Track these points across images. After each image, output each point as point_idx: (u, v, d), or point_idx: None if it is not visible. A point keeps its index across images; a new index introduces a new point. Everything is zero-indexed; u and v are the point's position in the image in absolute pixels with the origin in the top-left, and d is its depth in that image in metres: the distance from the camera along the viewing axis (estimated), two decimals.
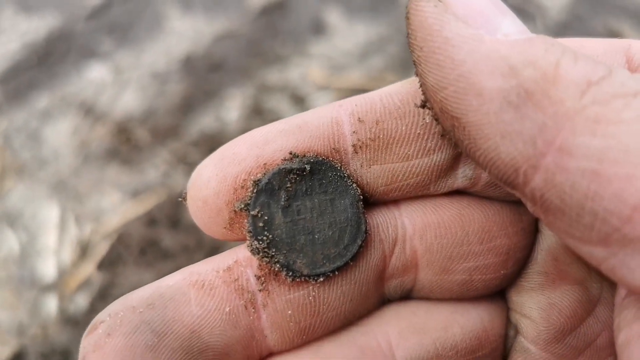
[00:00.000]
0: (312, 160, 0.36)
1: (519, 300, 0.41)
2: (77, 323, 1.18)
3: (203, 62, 1.75)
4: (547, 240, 0.40)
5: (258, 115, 1.55)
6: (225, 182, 0.35)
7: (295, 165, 0.35)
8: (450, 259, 0.38)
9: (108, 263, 1.27)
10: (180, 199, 0.38)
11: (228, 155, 0.35)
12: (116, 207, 1.37)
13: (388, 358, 0.38)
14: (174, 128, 1.55)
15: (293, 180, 0.36)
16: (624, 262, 0.26)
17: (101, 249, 1.29)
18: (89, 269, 1.26)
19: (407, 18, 0.30)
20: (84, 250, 1.30)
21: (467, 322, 0.40)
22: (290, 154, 0.35)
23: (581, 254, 0.28)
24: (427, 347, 0.39)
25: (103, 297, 1.21)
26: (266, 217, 0.35)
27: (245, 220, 0.35)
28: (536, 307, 0.40)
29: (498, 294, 0.43)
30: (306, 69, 1.70)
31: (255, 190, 0.35)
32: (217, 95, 1.63)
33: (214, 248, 1.24)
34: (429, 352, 0.39)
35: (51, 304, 1.22)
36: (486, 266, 0.39)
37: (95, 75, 1.73)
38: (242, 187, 0.35)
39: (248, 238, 0.35)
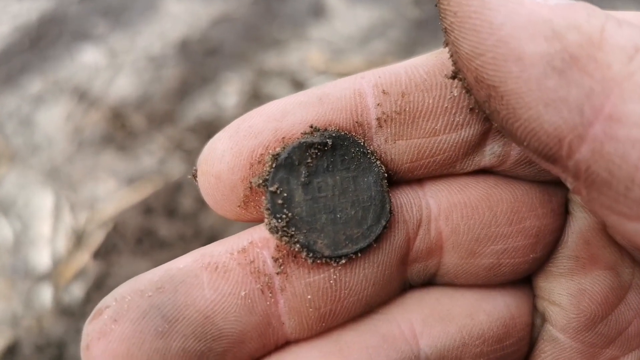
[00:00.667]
0: (334, 135, 0.34)
1: (547, 286, 0.40)
2: (72, 314, 1.15)
3: (199, 46, 1.71)
4: (578, 222, 0.39)
5: (256, 100, 1.52)
6: (241, 156, 0.33)
7: (316, 140, 0.33)
8: (477, 242, 0.37)
9: (104, 252, 1.24)
10: (190, 176, 0.36)
11: (244, 128, 0.33)
12: (111, 194, 1.34)
13: (412, 346, 0.36)
14: (170, 114, 1.52)
15: (314, 156, 0.34)
16: None
17: (96, 238, 1.27)
18: (84, 258, 1.24)
19: None
20: (79, 239, 1.27)
21: (493, 309, 0.39)
22: (311, 127, 0.33)
23: (625, 232, 0.27)
24: (452, 336, 0.37)
25: (99, 287, 1.19)
26: (285, 194, 0.33)
27: (263, 197, 0.33)
28: (566, 293, 0.38)
29: (524, 280, 0.41)
30: (305, 54, 1.67)
31: (273, 165, 0.33)
32: (214, 80, 1.60)
33: (211, 237, 1.22)
34: (455, 340, 0.37)
35: (46, 295, 1.19)
36: (515, 249, 0.37)
37: (88, 59, 1.69)
38: (259, 162, 0.33)
39: (266, 216, 0.33)
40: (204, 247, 0.34)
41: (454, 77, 0.33)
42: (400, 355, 0.36)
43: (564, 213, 0.39)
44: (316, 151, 0.33)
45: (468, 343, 0.37)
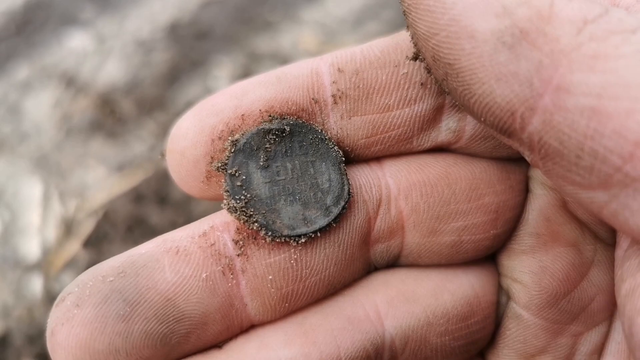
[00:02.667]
0: (292, 122, 0.35)
1: (510, 264, 0.41)
2: None
3: (189, 29, 1.67)
4: (538, 200, 0.39)
5: None
6: (203, 132, 0.34)
7: (274, 126, 0.35)
8: (437, 219, 0.38)
9: (94, 241, 1.23)
10: (160, 156, 0.37)
11: (207, 106, 0.35)
12: (101, 182, 1.32)
13: (377, 328, 0.37)
14: (160, 99, 1.49)
15: (272, 141, 0.35)
16: (626, 205, 0.25)
17: (86, 227, 1.25)
18: (74, 247, 1.22)
19: None
20: (68, 227, 1.25)
21: (457, 288, 0.39)
22: (270, 116, 0.34)
23: (581, 201, 0.28)
24: (417, 316, 0.38)
25: None
26: (244, 177, 0.34)
27: (222, 180, 0.34)
28: (528, 270, 0.39)
29: (489, 259, 0.42)
30: (298, 36, 1.64)
31: (233, 150, 0.34)
32: (205, 64, 1.57)
33: None
34: (419, 320, 0.38)
35: (36, 284, 1.18)
36: (475, 225, 0.38)
37: (76, 44, 1.66)
38: (220, 138, 0.34)
39: (225, 197, 0.34)
40: (166, 233, 0.34)
41: (415, 59, 0.34)
42: (365, 336, 0.36)
43: (524, 190, 0.40)
44: (274, 137, 0.35)
45: (433, 322, 0.38)
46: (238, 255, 0.34)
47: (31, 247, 1.23)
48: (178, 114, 1.45)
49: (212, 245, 0.33)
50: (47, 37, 1.69)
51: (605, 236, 0.38)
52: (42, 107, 1.50)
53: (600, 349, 0.41)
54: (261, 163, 0.35)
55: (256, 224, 0.34)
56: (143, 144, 1.39)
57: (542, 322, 0.39)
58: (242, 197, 0.34)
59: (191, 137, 0.34)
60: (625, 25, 0.25)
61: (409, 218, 0.37)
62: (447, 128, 0.37)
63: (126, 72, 1.56)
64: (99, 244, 1.22)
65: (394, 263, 0.40)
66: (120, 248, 1.20)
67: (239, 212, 0.34)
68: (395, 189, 0.37)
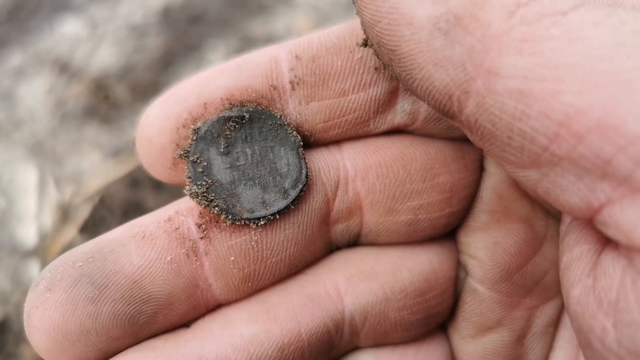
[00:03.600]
0: (251, 109, 0.36)
1: (467, 240, 0.42)
2: None
3: (182, 13, 1.66)
4: (492, 178, 0.41)
5: None
6: (168, 121, 0.35)
7: (234, 113, 0.36)
8: (393, 199, 0.39)
9: (91, 226, 1.23)
10: (130, 144, 0.38)
11: (172, 95, 0.36)
12: (97, 168, 1.32)
13: (336, 304, 0.38)
14: (154, 84, 1.48)
15: (232, 128, 0.36)
16: (556, 183, 0.26)
17: (83, 212, 1.25)
18: (71, 233, 1.22)
19: None
20: (65, 213, 1.25)
21: (415, 265, 0.41)
22: (230, 104, 0.36)
23: (519, 180, 0.28)
24: (375, 292, 0.39)
25: None
26: (205, 163, 0.36)
27: (185, 167, 0.36)
28: (482, 246, 0.41)
29: (449, 236, 0.43)
30: (292, 20, 1.62)
31: (194, 138, 0.35)
32: (199, 48, 1.56)
33: None
34: (377, 296, 0.39)
35: (33, 270, 1.18)
36: (431, 204, 0.40)
37: (69, 30, 1.64)
38: (184, 126, 0.35)
39: (187, 183, 0.36)
40: (135, 219, 0.36)
41: (364, 45, 0.35)
42: (325, 312, 0.38)
43: (479, 169, 0.41)
44: (234, 124, 0.36)
45: (391, 298, 0.39)
46: (201, 238, 0.35)
47: (28, 233, 1.24)
48: None
49: (176, 229, 0.35)
50: (40, 23, 1.67)
51: (555, 212, 0.39)
52: (36, 93, 1.49)
53: (556, 321, 0.42)
54: (222, 149, 0.36)
55: (217, 208, 0.35)
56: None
57: (497, 295, 0.41)
58: (204, 182, 0.35)
59: (157, 125, 0.35)
60: (557, 7, 0.26)
61: (366, 198, 0.39)
62: (402, 110, 0.38)
63: (120, 57, 1.56)
64: (96, 229, 1.22)
65: (355, 242, 0.41)
66: None
67: (200, 197, 0.35)
68: (352, 170, 0.38)
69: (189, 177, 0.35)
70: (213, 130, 0.36)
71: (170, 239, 0.35)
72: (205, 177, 0.35)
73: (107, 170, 1.31)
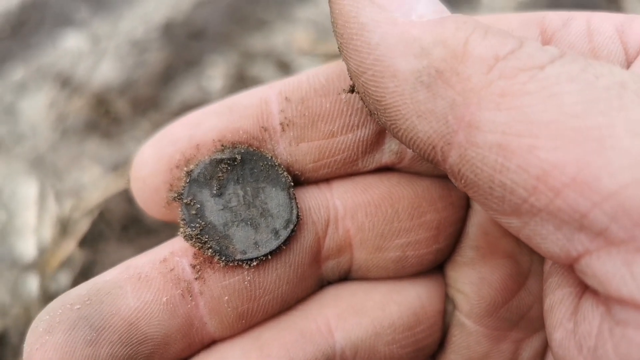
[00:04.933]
0: (242, 151, 0.37)
1: (454, 275, 0.43)
2: None
3: (183, 29, 1.68)
4: (477, 215, 0.42)
5: (242, 83, 1.50)
6: (162, 162, 0.36)
7: (225, 156, 0.37)
8: (382, 237, 0.40)
9: (90, 240, 1.23)
10: (126, 182, 0.39)
11: (165, 136, 0.37)
12: (96, 182, 1.33)
13: (327, 340, 0.39)
14: (154, 99, 1.50)
15: (224, 170, 0.37)
16: (536, 231, 0.27)
17: (82, 226, 1.26)
18: (70, 246, 1.23)
19: (330, 7, 0.31)
20: (64, 227, 1.26)
21: (404, 299, 0.41)
22: (222, 145, 0.36)
23: (502, 225, 0.29)
24: (365, 327, 0.40)
25: (85, 276, 1.18)
26: (198, 206, 0.36)
27: (179, 209, 0.36)
28: (468, 281, 0.42)
29: (437, 270, 0.44)
30: (291, 35, 1.64)
31: (187, 180, 0.36)
32: (199, 63, 1.58)
33: None
34: (367, 331, 0.40)
35: (32, 284, 1.19)
36: (418, 241, 0.40)
37: (71, 45, 1.66)
38: (177, 166, 0.36)
39: (181, 225, 0.36)
40: (130, 259, 0.37)
41: (352, 91, 0.36)
42: (316, 348, 0.38)
43: (465, 206, 0.42)
44: (226, 166, 0.36)
45: (380, 332, 0.40)
46: (196, 278, 0.36)
47: (27, 247, 1.24)
48: (172, 113, 1.46)
49: (171, 270, 0.36)
50: (42, 38, 1.69)
51: None
52: (37, 107, 1.51)
53: (542, 354, 0.43)
54: (214, 191, 0.36)
55: (210, 250, 0.36)
56: (138, 144, 1.40)
57: (484, 329, 0.42)
58: (197, 224, 0.36)
59: (151, 165, 0.36)
60: (535, 62, 0.26)
61: (356, 236, 0.40)
62: (389, 150, 0.39)
63: (121, 72, 1.57)
64: (95, 243, 1.23)
65: (345, 277, 0.42)
66: (116, 247, 1.21)
67: (194, 240, 0.36)
68: (342, 209, 0.39)
69: (183, 220, 0.36)
70: (206, 173, 0.36)
71: (165, 280, 0.35)
72: (198, 219, 0.36)
73: (107, 184, 1.32)
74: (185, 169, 0.36)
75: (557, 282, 0.32)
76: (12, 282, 1.19)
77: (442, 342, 0.44)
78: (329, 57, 1.54)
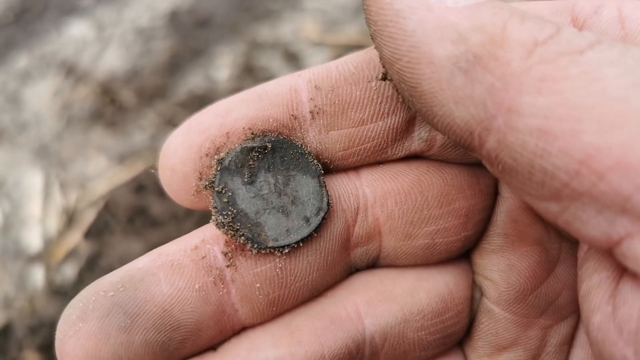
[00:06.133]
0: (273, 139, 0.37)
1: (481, 262, 0.43)
2: (65, 294, 1.14)
3: (189, 17, 1.65)
4: (506, 202, 0.42)
5: (249, 73, 1.48)
6: (191, 150, 0.36)
7: (256, 144, 0.37)
8: (411, 224, 0.40)
9: (95, 232, 1.22)
10: (152, 170, 0.38)
11: (194, 124, 0.37)
12: (102, 172, 1.31)
13: (357, 326, 0.40)
14: (160, 88, 1.48)
15: (255, 158, 0.37)
16: (576, 216, 0.27)
17: (88, 217, 1.24)
18: (75, 238, 1.21)
19: None
20: (69, 218, 1.25)
21: (432, 286, 0.42)
22: (252, 134, 0.37)
23: (539, 211, 0.30)
24: (394, 314, 0.40)
25: (91, 267, 1.17)
26: (230, 194, 0.37)
27: (210, 197, 0.37)
28: (496, 269, 0.42)
29: (464, 257, 0.45)
30: (299, 25, 1.62)
31: (218, 169, 0.36)
32: (206, 52, 1.55)
33: (203, 216, 1.19)
34: (396, 318, 0.40)
35: (37, 275, 1.17)
36: (447, 229, 0.41)
37: (75, 33, 1.64)
38: (207, 155, 0.36)
39: (213, 213, 0.36)
40: (161, 246, 0.37)
41: (384, 79, 0.37)
42: (346, 334, 0.39)
43: (493, 193, 0.43)
44: (257, 154, 0.37)
45: (409, 319, 0.41)
46: (227, 266, 0.36)
47: (32, 238, 1.23)
48: (179, 103, 1.44)
49: (203, 258, 0.36)
50: (46, 26, 1.67)
51: (569, 235, 0.40)
52: (41, 96, 1.49)
53: (570, 340, 0.44)
54: (246, 179, 0.37)
55: (242, 238, 0.36)
56: (143, 134, 1.38)
57: (512, 316, 0.42)
58: (229, 212, 0.36)
59: (180, 154, 0.37)
60: (574, 46, 0.27)
61: (385, 224, 0.40)
62: (419, 138, 0.39)
63: (126, 60, 1.55)
64: (100, 234, 1.22)
65: (374, 264, 0.43)
66: (122, 239, 1.19)
67: (226, 227, 0.36)
68: (371, 197, 0.40)
69: (215, 208, 0.36)
70: (237, 161, 0.37)
71: (197, 268, 0.36)
72: (230, 207, 0.36)
73: (112, 175, 1.30)
74: (216, 157, 0.37)
75: (594, 267, 0.32)
76: (16, 274, 1.18)
77: (469, 329, 0.45)
78: (338, 47, 1.52)
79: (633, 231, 0.26)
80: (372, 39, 0.32)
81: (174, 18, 1.65)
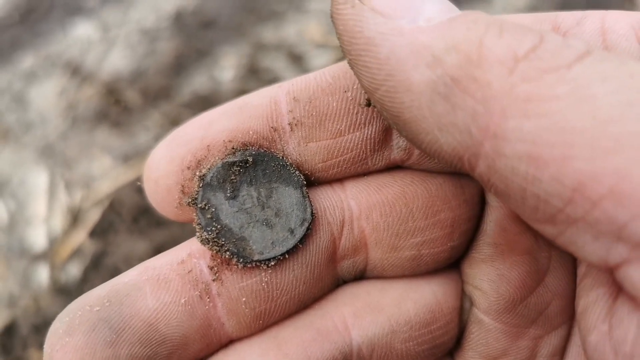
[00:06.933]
0: (254, 152, 0.37)
1: (471, 272, 0.43)
2: (69, 293, 1.14)
3: (194, 18, 1.66)
4: (495, 211, 0.41)
5: (254, 74, 1.48)
6: (173, 163, 0.36)
7: (237, 158, 0.37)
8: (397, 236, 0.40)
9: (100, 231, 1.22)
10: (138, 183, 0.38)
11: (177, 137, 0.37)
12: (107, 172, 1.32)
13: (344, 338, 0.39)
14: (165, 88, 1.48)
15: (237, 172, 0.37)
16: (572, 240, 0.26)
17: (92, 216, 1.25)
18: (80, 237, 1.22)
19: (333, 23, 0.30)
20: (74, 217, 1.25)
21: (420, 297, 0.42)
22: (233, 147, 0.37)
23: (538, 230, 0.29)
24: (382, 325, 0.40)
25: (95, 266, 1.17)
26: (213, 209, 0.37)
27: (194, 214, 0.37)
28: (486, 278, 0.41)
29: (453, 267, 0.44)
30: (303, 26, 1.62)
31: (201, 185, 0.36)
32: (210, 53, 1.56)
33: None
34: (384, 329, 0.40)
35: (42, 274, 1.18)
36: (433, 240, 0.40)
37: (81, 33, 1.65)
38: (188, 168, 0.36)
39: (197, 230, 0.36)
40: (148, 260, 0.37)
41: (368, 105, 0.36)
42: (333, 346, 0.39)
43: (479, 202, 0.42)
44: (239, 168, 0.37)
45: (396, 330, 0.40)
46: (213, 280, 0.36)
47: (37, 237, 1.24)
48: (183, 104, 1.45)
49: (189, 272, 0.36)
50: (52, 26, 1.68)
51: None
52: (47, 96, 1.50)
53: (562, 351, 0.43)
54: (228, 194, 0.37)
55: (228, 253, 0.36)
56: (148, 134, 1.39)
57: (502, 326, 0.42)
58: (213, 228, 0.36)
59: (163, 167, 0.36)
60: (560, 60, 0.25)
61: (371, 236, 0.40)
62: (397, 147, 0.39)
63: (131, 61, 1.56)
64: (105, 233, 1.22)
65: (361, 276, 0.42)
66: (126, 238, 1.20)
67: (211, 243, 0.36)
68: (357, 210, 0.39)
69: (199, 224, 0.36)
70: (219, 176, 0.37)
71: (183, 282, 0.36)
72: (214, 223, 0.36)
73: (117, 174, 1.31)
74: (197, 173, 0.37)
75: (591, 283, 0.31)
76: (21, 273, 1.18)
77: (459, 339, 0.45)
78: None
79: (630, 257, 0.25)
80: (350, 67, 0.30)
81: (178, 19, 1.66)
